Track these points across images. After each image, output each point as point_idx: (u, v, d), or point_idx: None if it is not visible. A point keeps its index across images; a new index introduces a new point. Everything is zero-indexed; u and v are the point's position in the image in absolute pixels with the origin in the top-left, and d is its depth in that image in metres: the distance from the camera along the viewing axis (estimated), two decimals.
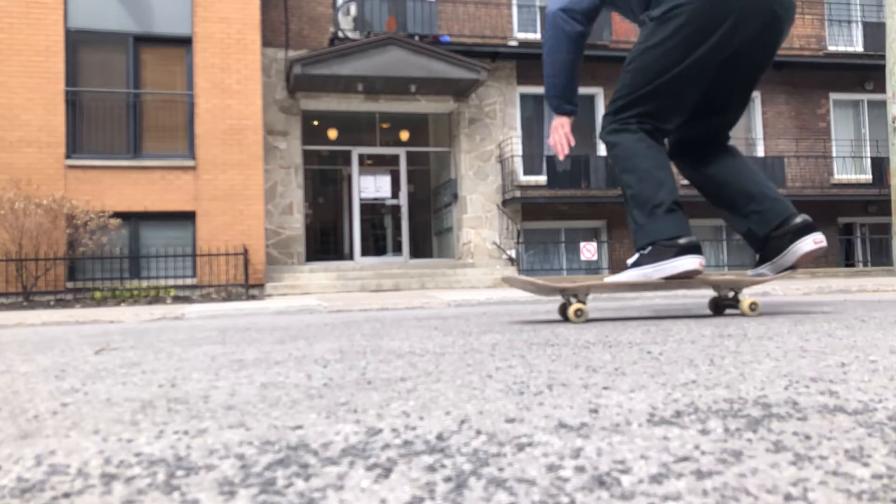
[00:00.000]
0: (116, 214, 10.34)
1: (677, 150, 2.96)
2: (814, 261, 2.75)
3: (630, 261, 2.64)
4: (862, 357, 1.32)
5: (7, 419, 1.00)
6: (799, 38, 16.01)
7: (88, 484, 0.66)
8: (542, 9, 14.09)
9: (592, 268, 14.00)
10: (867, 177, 15.73)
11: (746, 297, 2.60)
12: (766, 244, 2.73)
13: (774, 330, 1.90)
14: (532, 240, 14.18)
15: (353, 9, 13.40)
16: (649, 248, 2.60)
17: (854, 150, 16.18)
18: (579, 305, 2.50)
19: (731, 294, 2.71)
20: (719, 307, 2.79)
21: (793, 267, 2.71)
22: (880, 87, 14.83)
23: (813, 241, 2.65)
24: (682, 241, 2.56)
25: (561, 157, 2.96)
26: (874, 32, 15.45)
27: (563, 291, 2.57)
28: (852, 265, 15.90)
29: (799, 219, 2.67)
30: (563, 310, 2.64)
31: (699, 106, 2.84)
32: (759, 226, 2.73)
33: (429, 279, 11.62)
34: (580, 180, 13.74)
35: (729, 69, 2.72)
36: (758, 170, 2.83)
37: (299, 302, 7.29)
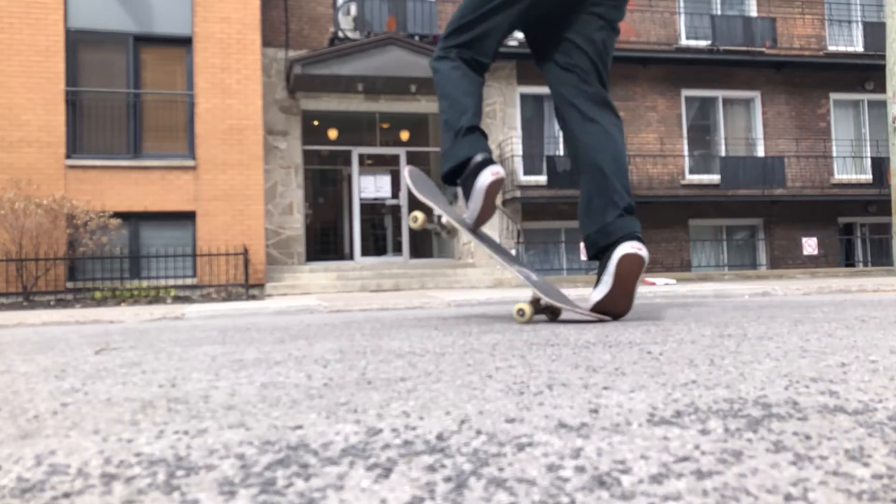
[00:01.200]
0: (116, 214, 10.34)
1: (560, 123, 2.81)
2: (642, 283, 2.36)
3: (464, 206, 2.72)
4: (862, 357, 1.32)
5: (7, 419, 1.00)
6: (799, 38, 16.01)
7: (88, 484, 0.66)
8: None
9: (592, 268, 14.00)
10: (867, 177, 15.74)
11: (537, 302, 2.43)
12: (601, 257, 2.48)
13: (774, 330, 1.90)
14: (532, 240, 14.18)
15: (353, 9, 13.40)
16: (460, 189, 2.67)
17: (854, 150, 16.18)
18: (416, 213, 2.91)
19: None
20: (544, 311, 2.55)
21: (620, 291, 2.37)
22: (880, 87, 14.83)
23: (630, 246, 2.37)
24: (476, 159, 2.58)
25: None
26: (874, 32, 15.45)
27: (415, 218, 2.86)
28: (852, 265, 15.90)
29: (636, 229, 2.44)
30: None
31: (540, 52, 2.77)
32: (601, 236, 2.48)
33: (429, 279, 11.62)
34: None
35: (545, 11, 2.66)
36: (624, 171, 2.56)
37: (299, 302, 7.29)
